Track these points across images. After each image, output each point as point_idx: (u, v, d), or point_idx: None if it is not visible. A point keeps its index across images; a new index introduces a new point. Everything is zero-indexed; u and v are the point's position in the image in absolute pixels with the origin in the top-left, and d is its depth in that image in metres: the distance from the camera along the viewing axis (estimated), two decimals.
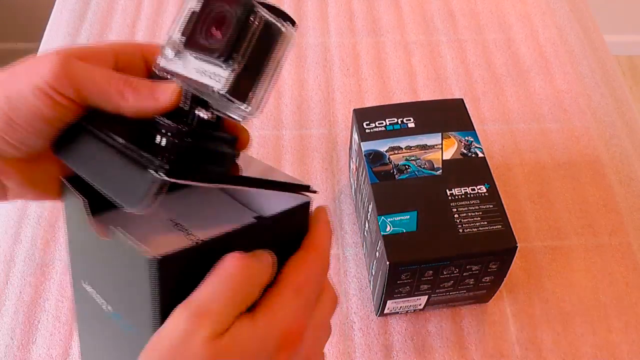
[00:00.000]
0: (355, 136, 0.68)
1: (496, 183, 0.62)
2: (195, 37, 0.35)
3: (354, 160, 0.72)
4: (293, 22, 0.36)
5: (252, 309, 0.33)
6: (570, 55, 0.94)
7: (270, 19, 0.35)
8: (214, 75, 0.35)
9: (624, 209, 0.76)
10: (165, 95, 0.35)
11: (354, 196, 0.75)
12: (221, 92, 0.35)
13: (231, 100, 0.35)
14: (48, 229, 0.73)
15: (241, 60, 0.35)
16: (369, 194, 0.62)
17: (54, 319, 0.67)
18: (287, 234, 0.37)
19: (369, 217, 0.64)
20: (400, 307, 0.65)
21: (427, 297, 0.63)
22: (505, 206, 0.61)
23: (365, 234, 0.68)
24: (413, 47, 0.94)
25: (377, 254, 0.61)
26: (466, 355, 0.65)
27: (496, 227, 0.59)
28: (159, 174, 0.32)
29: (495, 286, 0.64)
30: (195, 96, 0.36)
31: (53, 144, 0.36)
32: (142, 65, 0.39)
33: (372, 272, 0.66)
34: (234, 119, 0.37)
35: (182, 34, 0.36)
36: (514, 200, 0.76)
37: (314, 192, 0.37)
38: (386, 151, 0.65)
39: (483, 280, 0.62)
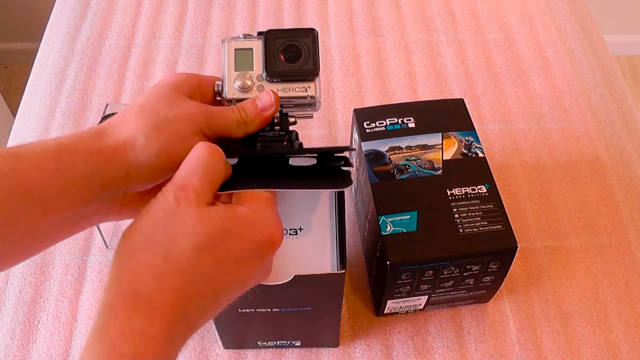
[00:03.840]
0: (356, 136, 0.68)
1: (496, 183, 0.62)
2: (275, 68, 0.48)
3: (354, 160, 0.72)
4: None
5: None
6: (570, 55, 0.94)
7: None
8: (302, 89, 0.48)
9: (624, 209, 0.76)
10: (267, 104, 0.46)
11: (354, 196, 0.75)
12: (315, 97, 0.48)
13: (315, 103, 0.48)
14: None
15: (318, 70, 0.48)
16: (369, 194, 0.62)
17: (54, 319, 0.67)
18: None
19: (369, 217, 0.64)
20: (400, 307, 0.65)
21: (427, 297, 0.63)
22: (505, 206, 0.61)
23: (365, 234, 0.68)
24: (413, 47, 0.94)
25: (377, 253, 0.61)
26: (466, 355, 0.65)
27: (496, 227, 0.59)
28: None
29: (495, 286, 0.64)
30: (280, 108, 0.48)
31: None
32: (211, 91, 0.49)
33: (372, 272, 0.66)
34: (304, 117, 0.50)
35: (266, 70, 0.48)
36: (514, 200, 0.76)
37: (352, 149, 0.45)
38: (386, 151, 0.65)
39: (483, 280, 0.62)
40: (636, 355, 0.65)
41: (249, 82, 0.47)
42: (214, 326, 0.60)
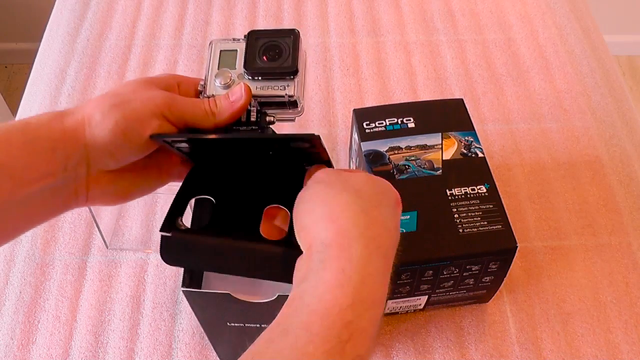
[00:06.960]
0: (355, 136, 0.68)
1: (496, 183, 0.62)
2: (254, 65, 0.48)
3: (354, 160, 0.72)
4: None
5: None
6: (570, 55, 0.94)
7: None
8: (280, 87, 0.48)
9: (624, 209, 0.76)
10: (238, 96, 0.47)
11: None
12: (294, 97, 0.47)
13: (295, 103, 0.48)
14: (48, 229, 0.73)
15: (298, 70, 0.47)
16: None
17: (54, 319, 0.67)
18: (301, 154, 0.46)
19: None
20: (400, 307, 0.65)
21: (427, 297, 0.63)
22: (505, 206, 0.61)
23: None
24: (413, 47, 0.94)
25: None
26: (466, 355, 0.65)
27: (496, 227, 0.59)
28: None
29: (495, 286, 0.64)
30: (260, 108, 0.48)
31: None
32: (194, 91, 0.50)
33: None
34: (286, 120, 0.49)
35: (245, 67, 0.48)
36: (514, 200, 0.76)
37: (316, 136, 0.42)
38: (386, 151, 0.65)
39: (483, 280, 0.62)
40: (636, 355, 0.65)
41: (229, 80, 0.48)
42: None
